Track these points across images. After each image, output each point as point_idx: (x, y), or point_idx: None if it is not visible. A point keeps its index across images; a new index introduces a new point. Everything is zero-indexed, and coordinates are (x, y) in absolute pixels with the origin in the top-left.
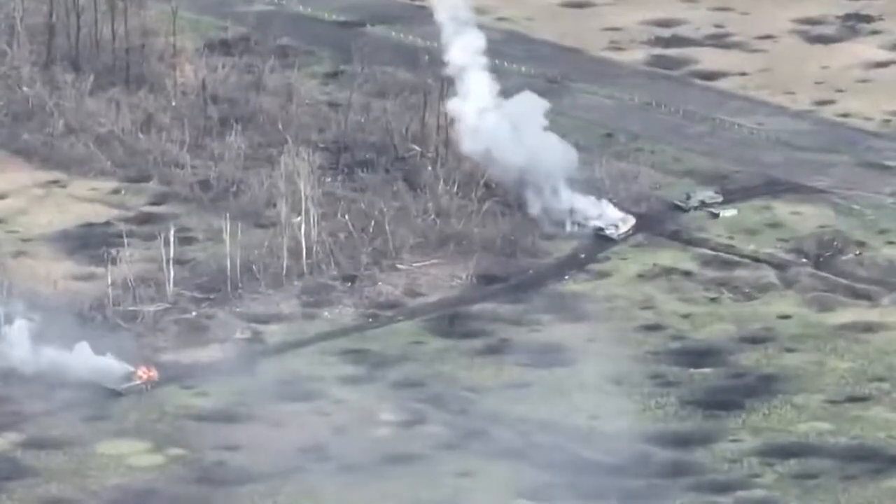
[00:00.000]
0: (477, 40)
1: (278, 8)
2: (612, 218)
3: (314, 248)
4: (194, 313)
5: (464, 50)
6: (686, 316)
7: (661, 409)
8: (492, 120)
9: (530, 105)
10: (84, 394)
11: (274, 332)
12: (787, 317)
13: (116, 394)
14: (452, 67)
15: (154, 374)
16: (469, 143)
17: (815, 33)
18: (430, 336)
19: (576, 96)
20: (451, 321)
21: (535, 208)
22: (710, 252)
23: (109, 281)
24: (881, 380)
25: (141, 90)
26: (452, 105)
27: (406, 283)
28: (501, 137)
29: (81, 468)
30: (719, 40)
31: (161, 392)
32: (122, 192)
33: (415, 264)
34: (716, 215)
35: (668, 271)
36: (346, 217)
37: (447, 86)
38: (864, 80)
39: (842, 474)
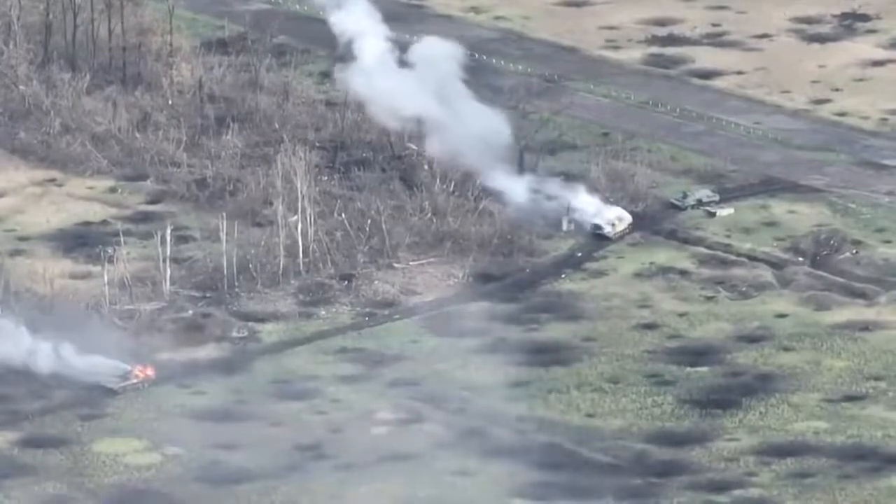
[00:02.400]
0: (363, 9)
1: (275, 7)
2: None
3: (311, 247)
4: (191, 312)
5: (349, 19)
6: (683, 315)
7: (658, 407)
8: (393, 87)
9: (439, 61)
10: (81, 392)
11: (271, 331)
12: (783, 315)
13: (113, 392)
14: (340, 37)
15: (151, 372)
16: (382, 116)
17: (811, 32)
18: (426, 335)
19: (573, 95)
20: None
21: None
22: (706, 251)
23: (106, 279)
24: (878, 378)
25: (137, 89)
26: (341, 76)
27: (403, 281)
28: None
29: (78, 467)
30: (716, 39)
31: (158, 391)
32: (119, 190)
33: (411, 263)
34: (712, 214)
35: (665, 270)
36: (343, 216)
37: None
38: (860, 79)
39: (838, 473)
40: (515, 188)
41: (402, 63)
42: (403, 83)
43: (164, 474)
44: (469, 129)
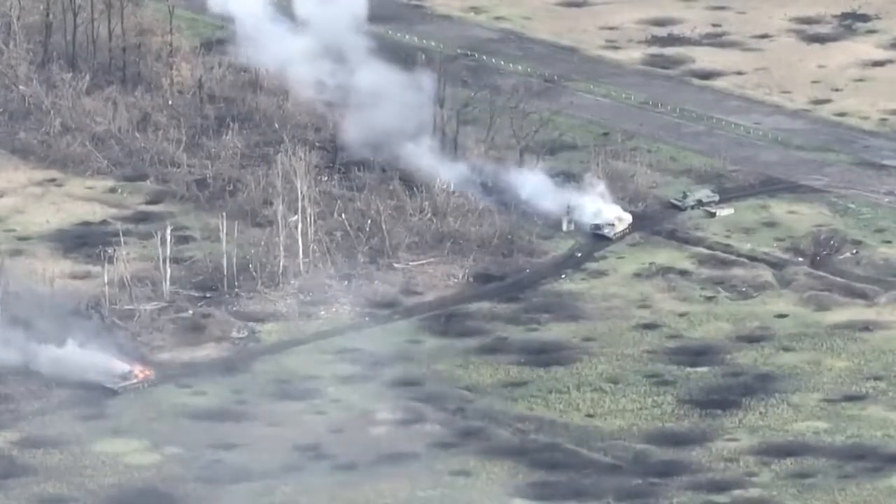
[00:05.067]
0: None
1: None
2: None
3: (311, 247)
4: (191, 312)
5: None
6: (683, 315)
7: (658, 407)
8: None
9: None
10: (80, 392)
11: (271, 331)
12: (783, 316)
13: (113, 392)
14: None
15: (150, 372)
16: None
17: (811, 32)
18: (426, 335)
19: (572, 95)
20: (446, 320)
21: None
22: (706, 251)
23: (106, 279)
24: (878, 378)
25: (137, 89)
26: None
27: (403, 281)
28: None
29: (78, 467)
30: (716, 39)
31: (158, 391)
32: (119, 190)
33: (411, 263)
34: (712, 214)
35: (665, 270)
36: (343, 216)
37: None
38: (860, 79)
39: (838, 473)
40: (448, 170)
41: (296, 25)
42: (297, 48)
43: (164, 474)
44: (384, 97)
